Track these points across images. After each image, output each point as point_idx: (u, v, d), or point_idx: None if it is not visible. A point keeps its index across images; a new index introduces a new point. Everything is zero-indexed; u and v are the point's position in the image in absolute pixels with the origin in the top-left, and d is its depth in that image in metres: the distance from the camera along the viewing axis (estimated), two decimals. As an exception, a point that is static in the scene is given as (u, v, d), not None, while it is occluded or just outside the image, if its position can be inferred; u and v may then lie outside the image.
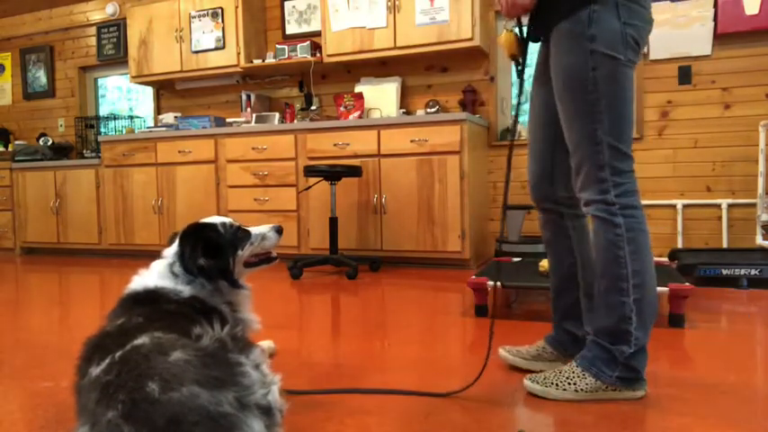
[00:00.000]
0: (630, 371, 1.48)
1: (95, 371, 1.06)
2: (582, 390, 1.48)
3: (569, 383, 1.49)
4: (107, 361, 1.06)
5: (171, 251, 1.49)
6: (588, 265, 1.67)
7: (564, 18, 1.44)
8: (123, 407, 0.96)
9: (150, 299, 1.37)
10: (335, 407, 1.49)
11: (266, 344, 1.93)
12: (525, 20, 1.60)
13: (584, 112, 1.43)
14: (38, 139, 5.77)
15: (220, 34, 4.81)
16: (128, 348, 1.08)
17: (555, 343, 1.73)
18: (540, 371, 1.64)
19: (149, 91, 5.71)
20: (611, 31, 1.40)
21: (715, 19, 3.70)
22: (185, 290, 1.41)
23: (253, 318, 1.59)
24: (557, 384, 1.50)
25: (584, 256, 1.68)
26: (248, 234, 1.55)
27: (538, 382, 1.53)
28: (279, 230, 1.59)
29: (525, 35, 1.61)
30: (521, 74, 1.64)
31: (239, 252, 1.52)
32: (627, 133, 1.44)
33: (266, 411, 1.05)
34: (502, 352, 1.80)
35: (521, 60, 1.61)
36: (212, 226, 1.50)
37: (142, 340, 1.10)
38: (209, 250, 1.46)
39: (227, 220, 1.55)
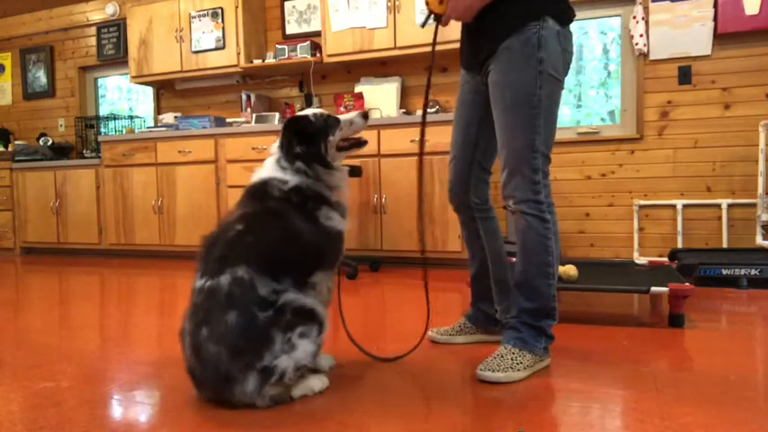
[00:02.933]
0: (550, 338, 1.74)
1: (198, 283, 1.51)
2: (527, 366, 1.67)
3: (518, 364, 1.66)
4: (204, 283, 1.49)
5: (275, 147, 1.67)
6: (498, 260, 1.98)
7: (514, 33, 1.60)
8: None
9: (261, 190, 1.62)
10: (335, 407, 1.49)
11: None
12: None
13: (527, 123, 1.63)
14: (38, 139, 5.77)
15: (220, 34, 4.80)
16: (211, 284, 1.47)
17: (473, 319, 2.06)
18: (463, 344, 2.02)
19: (149, 91, 5.71)
20: (555, 54, 1.61)
21: (715, 19, 3.70)
22: (291, 180, 1.61)
23: (345, 205, 1.71)
24: (511, 368, 1.64)
25: (493, 252, 1.98)
26: (337, 120, 1.69)
27: (493, 370, 1.64)
28: (364, 115, 1.74)
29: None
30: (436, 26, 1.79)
31: (330, 137, 1.67)
32: (552, 142, 1.70)
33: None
34: (430, 333, 2.08)
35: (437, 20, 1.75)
36: (304, 117, 1.66)
37: (224, 279, 1.45)
38: (304, 138, 1.63)
39: (317, 110, 1.69)
